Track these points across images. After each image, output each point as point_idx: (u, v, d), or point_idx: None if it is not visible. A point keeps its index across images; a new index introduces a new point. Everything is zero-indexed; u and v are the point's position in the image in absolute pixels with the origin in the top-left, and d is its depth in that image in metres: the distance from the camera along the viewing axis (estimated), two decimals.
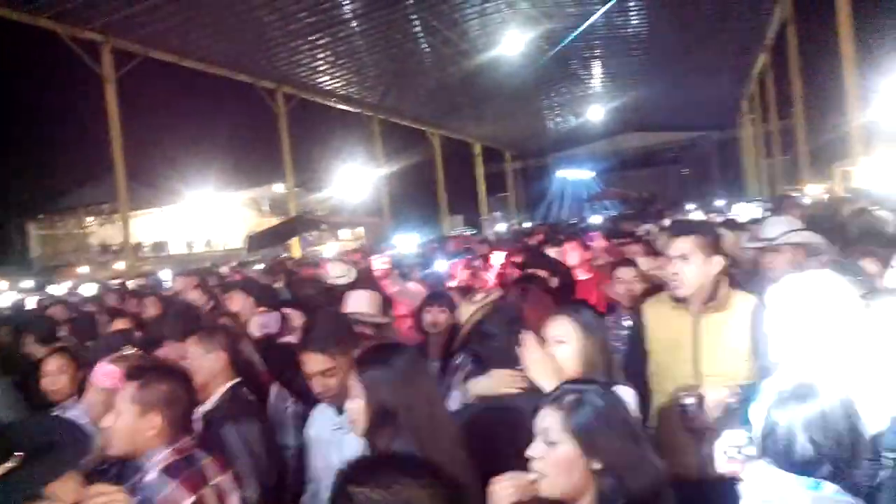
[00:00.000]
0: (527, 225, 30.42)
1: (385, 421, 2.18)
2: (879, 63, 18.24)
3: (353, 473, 1.42)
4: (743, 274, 4.68)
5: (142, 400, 2.41)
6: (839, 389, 1.82)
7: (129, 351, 2.98)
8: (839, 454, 1.71)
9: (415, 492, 1.34)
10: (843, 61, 14.31)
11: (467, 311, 3.63)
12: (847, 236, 5.58)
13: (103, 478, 2.44)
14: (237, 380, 3.05)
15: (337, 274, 6.80)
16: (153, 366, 2.74)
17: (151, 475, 2.35)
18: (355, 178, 28.08)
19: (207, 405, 2.97)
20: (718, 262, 3.07)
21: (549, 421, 1.77)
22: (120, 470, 2.60)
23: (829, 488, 1.67)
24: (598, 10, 22.07)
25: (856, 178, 16.18)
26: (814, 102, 21.10)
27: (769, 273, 3.74)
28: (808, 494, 1.67)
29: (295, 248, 23.56)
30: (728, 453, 2.07)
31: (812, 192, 19.92)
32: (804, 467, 1.70)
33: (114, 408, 2.48)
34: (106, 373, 2.80)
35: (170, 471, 2.34)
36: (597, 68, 30.35)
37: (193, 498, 2.31)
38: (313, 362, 2.79)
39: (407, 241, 18.92)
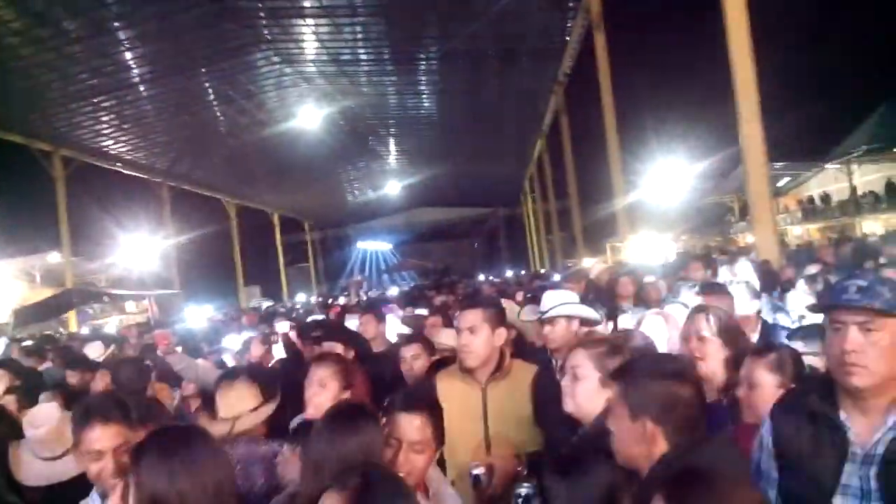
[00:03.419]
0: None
1: None
2: (641, 152, 20.67)
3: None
4: (529, 345, 4.99)
5: None
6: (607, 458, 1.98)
7: None
8: None
9: None
10: (609, 150, 15.98)
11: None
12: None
13: None
14: None
15: (94, 354, 6.32)
16: None
17: None
18: (143, 247, 26.37)
19: None
20: (502, 334, 3.25)
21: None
22: None
23: None
24: (391, 91, 23.08)
25: (624, 252, 18.01)
26: (586, 185, 23.33)
27: (548, 343, 4.00)
28: None
29: (71, 322, 21.49)
30: None
31: (587, 264, 21.81)
32: None
33: None
34: None
35: None
36: (392, 145, 31.45)
37: None
38: (106, 435, 2.52)
39: (198, 314, 18.02)
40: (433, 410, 2.40)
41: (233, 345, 6.66)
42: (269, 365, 5.57)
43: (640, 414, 1.93)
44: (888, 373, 1.83)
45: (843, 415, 1.91)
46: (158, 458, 2.03)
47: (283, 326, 5.83)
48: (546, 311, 3.92)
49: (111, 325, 22.55)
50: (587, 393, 2.52)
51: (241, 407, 3.14)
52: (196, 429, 2.34)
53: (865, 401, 1.88)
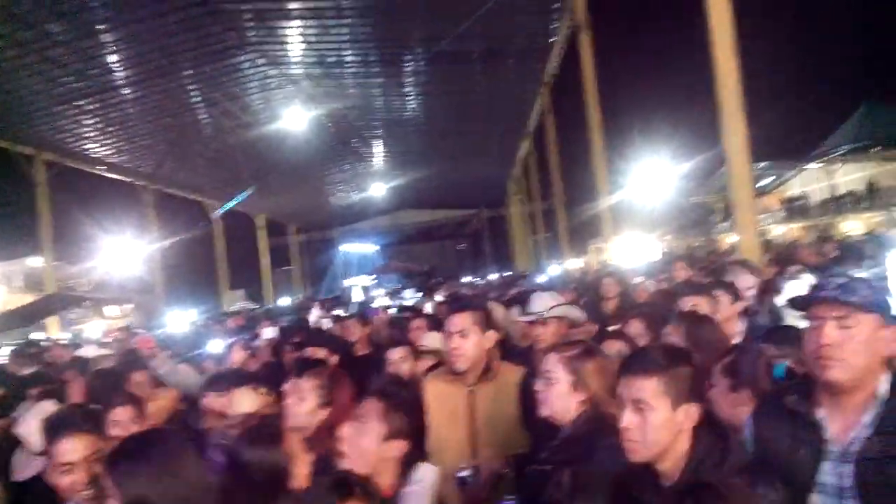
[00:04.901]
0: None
1: None
2: (626, 152, 20.77)
3: None
4: (514, 347, 5.01)
5: None
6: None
7: None
8: None
9: None
10: (594, 151, 16.05)
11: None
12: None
13: None
14: None
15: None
16: None
17: None
18: (126, 251, 26.19)
19: None
20: (491, 337, 3.27)
21: None
22: None
23: None
24: (377, 93, 23.11)
25: (607, 252, 18.11)
26: (572, 185, 23.42)
27: (538, 344, 4.03)
28: None
29: (52, 327, 21.29)
30: None
31: (572, 265, 21.93)
32: None
33: None
34: None
35: None
36: (378, 147, 31.40)
37: None
38: (78, 447, 2.51)
39: (181, 319, 17.92)
40: None
41: (216, 349, 6.62)
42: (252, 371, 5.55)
43: (682, 400, 1.94)
44: (864, 367, 1.87)
45: (820, 413, 1.94)
46: (137, 463, 2.04)
47: (269, 332, 5.81)
48: (540, 313, 3.98)
49: (93, 329, 22.37)
50: (559, 397, 2.54)
51: (237, 411, 3.15)
52: (167, 431, 2.35)
53: (842, 397, 1.90)
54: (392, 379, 3.73)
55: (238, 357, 5.56)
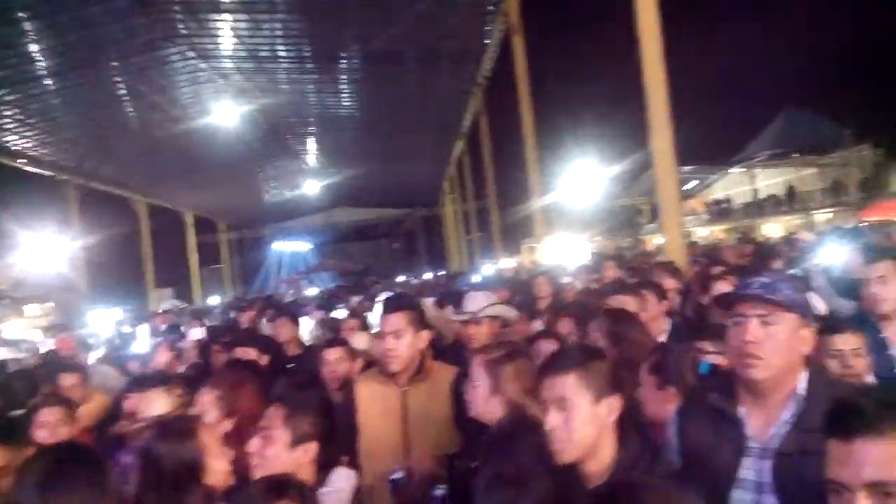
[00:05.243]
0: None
1: None
2: (558, 154, 21.10)
3: None
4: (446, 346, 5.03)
5: None
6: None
7: None
8: None
9: None
10: (527, 152, 16.24)
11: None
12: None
13: None
14: None
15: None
16: None
17: None
18: (48, 247, 25.09)
19: None
20: (425, 337, 3.26)
21: None
22: None
23: None
24: (311, 89, 22.84)
25: (539, 252, 18.37)
26: (505, 186, 23.67)
27: (471, 343, 4.05)
28: None
29: None
30: None
31: (505, 265, 22.15)
32: None
33: None
34: None
35: None
36: (311, 144, 31.04)
37: None
38: None
39: (104, 318, 17.35)
40: None
41: (142, 350, 6.41)
42: (178, 372, 5.39)
43: (602, 393, 1.99)
44: (784, 366, 1.92)
45: (742, 410, 1.99)
46: (32, 480, 1.98)
47: (196, 333, 5.65)
48: (475, 313, 4.01)
49: (11, 329, 21.39)
50: (481, 399, 2.60)
51: (150, 412, 3.06)
52: (78, 447, 2.28)
53: (763, 395, 1.95)
54: (293, 382, 3.71)
55: (164, 358, 5.39)
